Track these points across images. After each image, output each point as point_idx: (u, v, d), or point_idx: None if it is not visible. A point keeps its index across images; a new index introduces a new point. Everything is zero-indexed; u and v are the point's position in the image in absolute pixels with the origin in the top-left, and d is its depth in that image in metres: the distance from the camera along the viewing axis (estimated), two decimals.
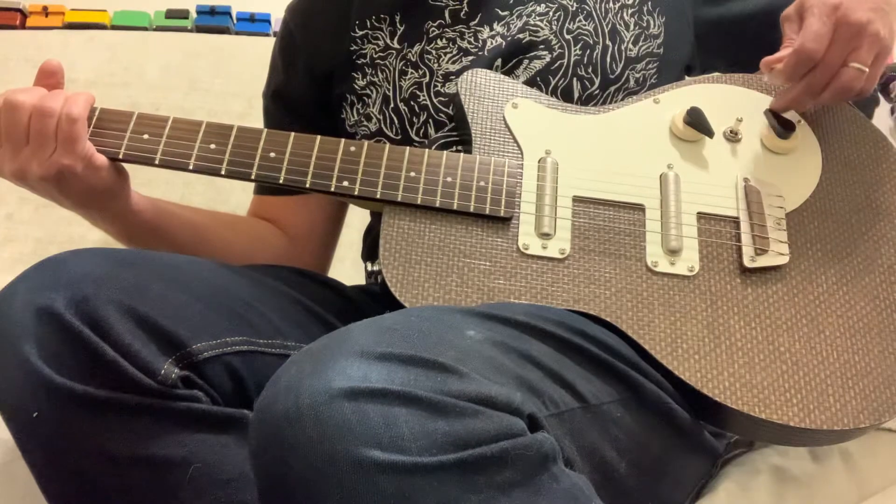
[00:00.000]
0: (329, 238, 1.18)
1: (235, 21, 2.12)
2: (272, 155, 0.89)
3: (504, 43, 1.01)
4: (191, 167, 0.90)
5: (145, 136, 0.90)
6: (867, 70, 0.87)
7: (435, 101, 1.01)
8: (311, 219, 1.14)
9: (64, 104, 0.87)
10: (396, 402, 0.59)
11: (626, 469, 0.77)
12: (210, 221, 1.07)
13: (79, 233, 1.50)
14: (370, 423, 0.58)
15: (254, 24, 2.10)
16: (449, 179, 0.88)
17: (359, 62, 1.08)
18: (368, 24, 1.08)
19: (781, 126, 0.92)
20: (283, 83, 1.15)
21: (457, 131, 0.98)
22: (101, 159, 0.89)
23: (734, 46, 1.06)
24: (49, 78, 0.91)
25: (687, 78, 1.04)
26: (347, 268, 1.27)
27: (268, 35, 2.05)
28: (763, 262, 0.87)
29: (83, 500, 0.76)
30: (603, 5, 1.02)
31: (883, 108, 2.00)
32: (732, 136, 0.93)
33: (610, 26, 1.01)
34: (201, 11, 2.10)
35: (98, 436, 0.73)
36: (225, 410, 0.78)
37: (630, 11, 1.03)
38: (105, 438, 0.73)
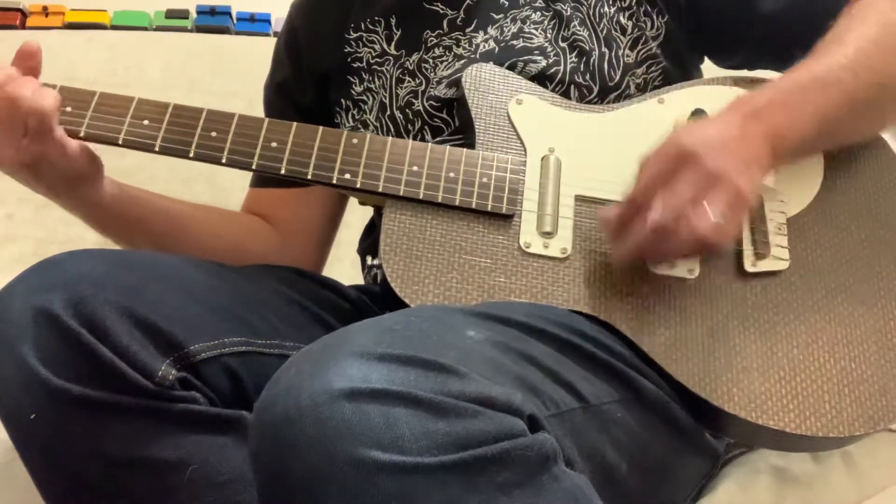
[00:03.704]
0: (325, 237, 1.17)
1: (235, 21, 2.12)
2: (274, 145, 0.89)
3: (497, 48, 1.00)
4: (191, 155, 0.88)
5: (145, 122, 0.89)
6: (723, 221, 0.76)
7: (426, 104, 1.00)
8: (308, 215, 1.13)
9: (34, 94, 0.85)
10: (397, 403, 0.59)
11: (626, 469, 0.77)
12: (192, 212, 1.06)
13: (79, 233, 1.48)
14: (370, 424, 0.58)
15: (254, 24, 2.10)
16: (451, 175, 0.88)
17: (355, 66, 1.07)
18: (363, 26, 1.08)
19: None
20: (288, 78, 1.15)
21: (458, 134, 0.98)
22: (74, 147, 0.87)
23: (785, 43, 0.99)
24: (29, 60, 0.89)
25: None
26: (347, 268, 1.27)
27: (268, 35, 2.05)
28: (763, 266, 0.87)
29: (81, 502, 0.76)
30: (597, 10, 1.01)
31: None
32: None
33: (605, 32, 1.00)
34: (201, 11, 2.10)
35: (95, 437, 0.73)
36: (223, 412, 0.78)
37: (627, 14, 1.01)
38: (102, 440, 0.73)
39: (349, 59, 1.08)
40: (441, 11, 1.04)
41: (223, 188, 1.53)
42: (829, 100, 0.84)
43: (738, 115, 0.82)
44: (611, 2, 1.01)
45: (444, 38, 1.03)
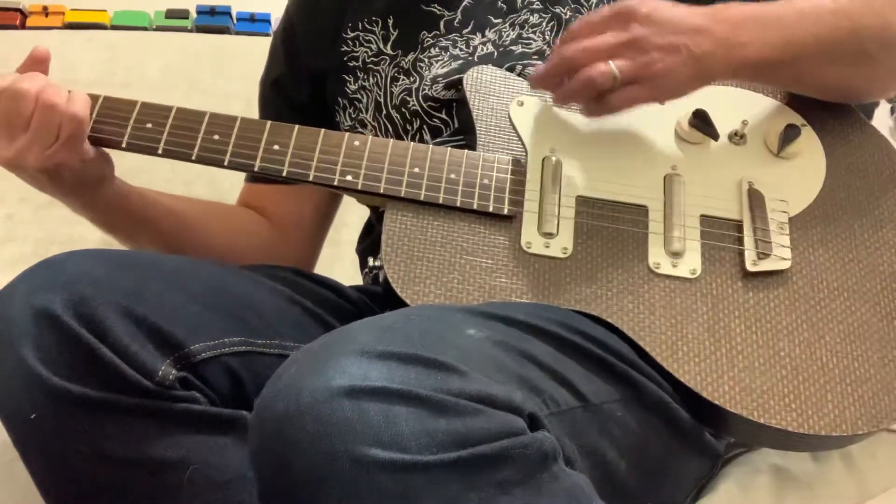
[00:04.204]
0: (317, 231, 1.18)
1: (235, 21, 2.12)
2: (276, 147, 0.89)
3: (496, 52, 1.00)
4: (194, 157, 0.89)
5: (149, 126, 0.89)
6: (619, 75, 0.81)
7: (424, 105, 1.00)
8: (301, 210, 1.14)
9: (68, 102, 0.86)
10: (396, 401, 0.59)
11: (626, 468, 0.77)
12: (192, 209, 1.06)
13: (79, 233, 1.49)
14: (370, 422, 0.58)
15: (254, 24, 2.10)
16: (453, 176, 0.88)
17: (350, 65, 1.07)
18: (360, 26, 1.08)
19: (786, 130, 0.92)
20: (284, 74, 1.15)
21: (457, 136, 0.98)
22: (92, 151, 0.88)
23: None
24: (39, 65, 0.90)
25: None
26: (347, 267, 1.27)
27: (268, 35, 2.05)
28: (765, 266, 0.87)
29: (81, 502, 0.76)
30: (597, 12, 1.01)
31: (883, 107, 1.99)
32: (737, 139, 0.93)
33: None
34: (201, 11, 2.10)
35: (95, 437, 0.73)
36: (223, 411, 0.78)
37: None
38: (102, 440, 0.73)
39: (345, 58, 1.08)
40: (438, 12, 1.04)
41: (224, 189, 1.53)
42: (800, 29, 0.86)
43: (706, 14, 0.84)
44: (612, 3, 1.01)
45: (440, 38, 1.03)
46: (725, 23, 0.84)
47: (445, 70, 1.00)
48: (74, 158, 0.87)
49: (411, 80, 1.02)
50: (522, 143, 0.92)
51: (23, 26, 2.05)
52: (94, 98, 0.90)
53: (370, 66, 1.06)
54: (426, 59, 1.02)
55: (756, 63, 0.85)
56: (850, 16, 0.88)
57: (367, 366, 0.60)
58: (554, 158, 0.90)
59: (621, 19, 0.83)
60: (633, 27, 0.82)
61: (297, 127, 0.90)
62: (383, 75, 1.04)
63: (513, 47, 1.00)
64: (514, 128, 0.92)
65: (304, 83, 1.12)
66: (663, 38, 0.81)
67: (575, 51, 0.83)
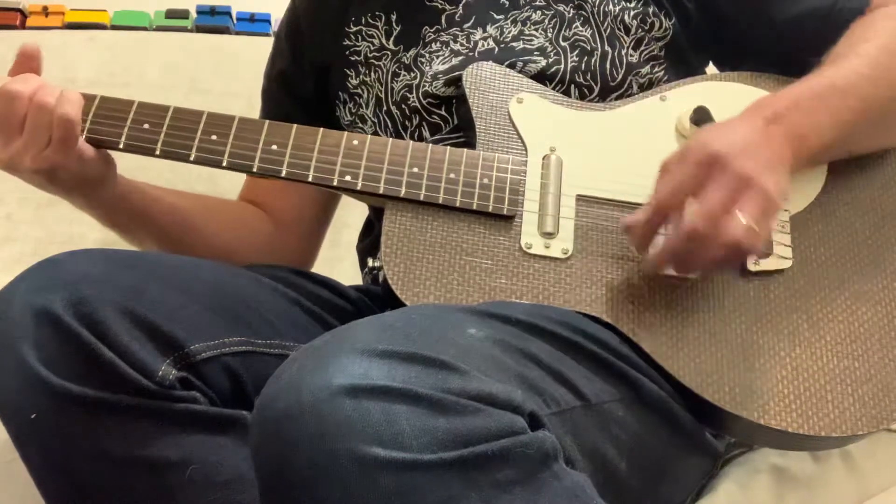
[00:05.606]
0: (317, 226, 1.18)
1: (235, 21, 2.11)
2: (274, 147, 0.89)
3: (497, 48, 1.00)
4: (192, 158, 0.88)
5: (146, 126, 0.89)
6: (755, 225, 0.76)
7: (423, 101, 1.00)
8: (301, 205, 1.14)
9: (58, 103, 0.86)
10: (397, 400, 0.59)
11: (626, 468, 0.77)
12: (194, 206, 1.06)
13: (79, 233, 1.49)
14: (371, 420, 0.58)
15: (254, 24, 2.10)
16: (452, 176, 0.88)
17: (352, 59, 1.08)
18: (363, 20, 1.08)
19: None
20: (288, 66, 1.15)
21: (456, 133, 0.98)
22: (91, 151, 0.88)
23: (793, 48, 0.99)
24: (30, 62, 0.90)
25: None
26: (347, 268, 1.27)
27: (268, 35, 2.05)
28: (766, 265, 0.86)
29: (81, 501, 0.75)
30: (602, 8, 1.01)
31: None
32: None
33: (609, 31, 1.00)
34: (201, 11, 2.09)
35: (96, 437, 0.73)
36: (223, 411, 0.78)
37: (632, 13, 1.01)
38: (103, 439, 0.73)
39: (347, 53, 1.08)
40: (440, 7, 1.04)
41: (225, 190, 1.53)
42: (848, 107, 0.85)
43: (760, 118, 0.82)
44: (616, 0, 1.01)
45: (441, 33, 1.03)
46: (778, 122, 0.82)
47: (446, 66, 1.00)
48: (69, 160, 0.86)
49: (412, 75, 1.02)
50: (522, 142, 0.91)
51: (23, 26, 2.05)
52: (90, 98, 0.90)
53: (372, 60, 1.06)
54: (427, 55, 1.02)
55: (818, 151, 0.84)
56: (886, 78, 0.88)
57: (368, 364, 0.60)
58: (554, 157, 0.90)
59: (705, 164, 0.78)
60: (723, 165, 0.77)
61: (295, 126, 0.90)
62: (385, 70, 1.04)
63: (514, 44, 1.00)
64: (514, 125, 0.92)
65: (308, 78, 1.12)
66: (752, 162, 0.78)
67: (699, 224, 0.76)
